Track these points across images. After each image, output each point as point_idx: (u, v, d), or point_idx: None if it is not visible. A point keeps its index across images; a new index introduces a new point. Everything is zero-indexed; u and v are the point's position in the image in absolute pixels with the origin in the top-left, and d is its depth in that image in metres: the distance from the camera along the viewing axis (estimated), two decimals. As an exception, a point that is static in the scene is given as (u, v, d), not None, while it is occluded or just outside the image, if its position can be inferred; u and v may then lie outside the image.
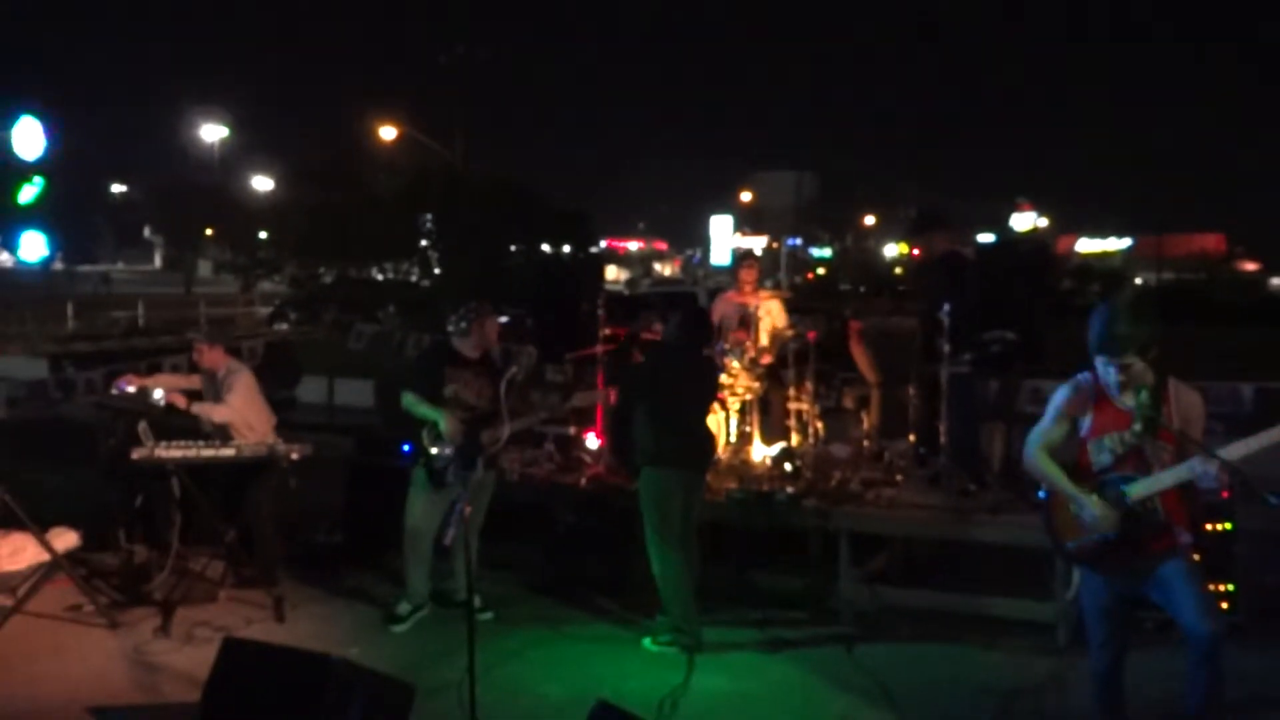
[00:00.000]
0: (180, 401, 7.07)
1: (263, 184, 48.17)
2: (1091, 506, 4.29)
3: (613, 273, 63.10)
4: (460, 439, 6.07)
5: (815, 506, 6.54)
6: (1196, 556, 4.43)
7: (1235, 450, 4.14)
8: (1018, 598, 6.13)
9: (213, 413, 6.92)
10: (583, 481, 7.23)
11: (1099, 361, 4.29)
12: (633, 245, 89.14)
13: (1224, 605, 6.00)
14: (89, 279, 43.16)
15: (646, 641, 5.97)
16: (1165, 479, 4.25)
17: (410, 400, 6.23)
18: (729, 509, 6.69)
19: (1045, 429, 4.46)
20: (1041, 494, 4.52)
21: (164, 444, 6.37)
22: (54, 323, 28.97)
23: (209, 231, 45.21)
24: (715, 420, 7.45)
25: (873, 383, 8.14)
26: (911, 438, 7.48)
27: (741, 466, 7.39)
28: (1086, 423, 4.39)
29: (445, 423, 6.09)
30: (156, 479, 6.73)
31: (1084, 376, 4.43)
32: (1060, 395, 4.45)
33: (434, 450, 6.13)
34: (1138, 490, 4.27)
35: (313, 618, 6.44)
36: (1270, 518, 6.18)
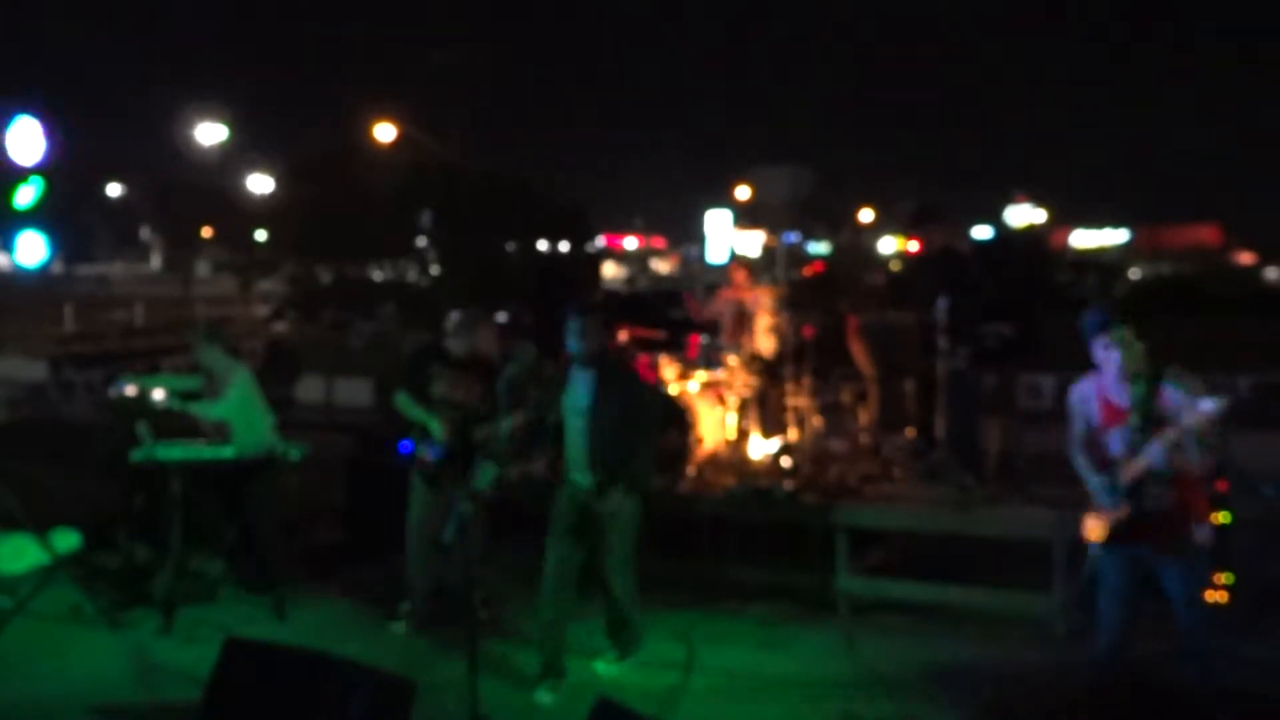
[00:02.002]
0: (174, 400, 7.07)
1: (260, 183, 48.12)
2: (1102, 490, 4.60)
3: (610, 270, 63.02)
4: (452, 440, 6.08)
5: (813, 501, 6.56)
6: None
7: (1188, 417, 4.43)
8: (1016, 590, 6.15)
9: (209, 411, 6.92)
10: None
11: (1099, 347, 4.58)
12: (630, 243, 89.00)
13: (1224, 597, 6.03)
14: (87, 280, 43.14)
15: (601, 666, 5.65)
16: (1139, 461, 4.48)
17: (403, 401, 6.24)
18: (728, 504, 6.71)
19: (1072, 431, 4.76)
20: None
21: (164, 444, 6.38)
22: (52, 324, 28.94)
23: (207, 231, 45.17)
24: (714, 417, 7.48)
25: (870, 377, 8.15)
26: (909, 432, 7.50)
27: (740, 462, 7.40)
28: (1096, 418, 4.65)
29: (436, 425, 6.10)
30: (156, 479, 6.74)
31: (1084, 379, 4.73)
32: (1070, 396, 4.78)
33: (427, 452, 6.15)
34: (1122, 473, 4.51)
35: (313, 616, 6.46)
36: (1268, 507, 6.24)
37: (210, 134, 55.61)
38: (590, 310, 5.48)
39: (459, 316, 6.39)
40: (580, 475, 5.44)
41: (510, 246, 28.66)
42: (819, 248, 74.57)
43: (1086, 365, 4.74)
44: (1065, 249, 62.43)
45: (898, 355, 7.70)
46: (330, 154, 30.12)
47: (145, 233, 60.67)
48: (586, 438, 5.39)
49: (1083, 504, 5.86)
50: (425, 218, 28.53)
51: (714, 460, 7.37)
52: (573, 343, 5.41)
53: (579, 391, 5.44)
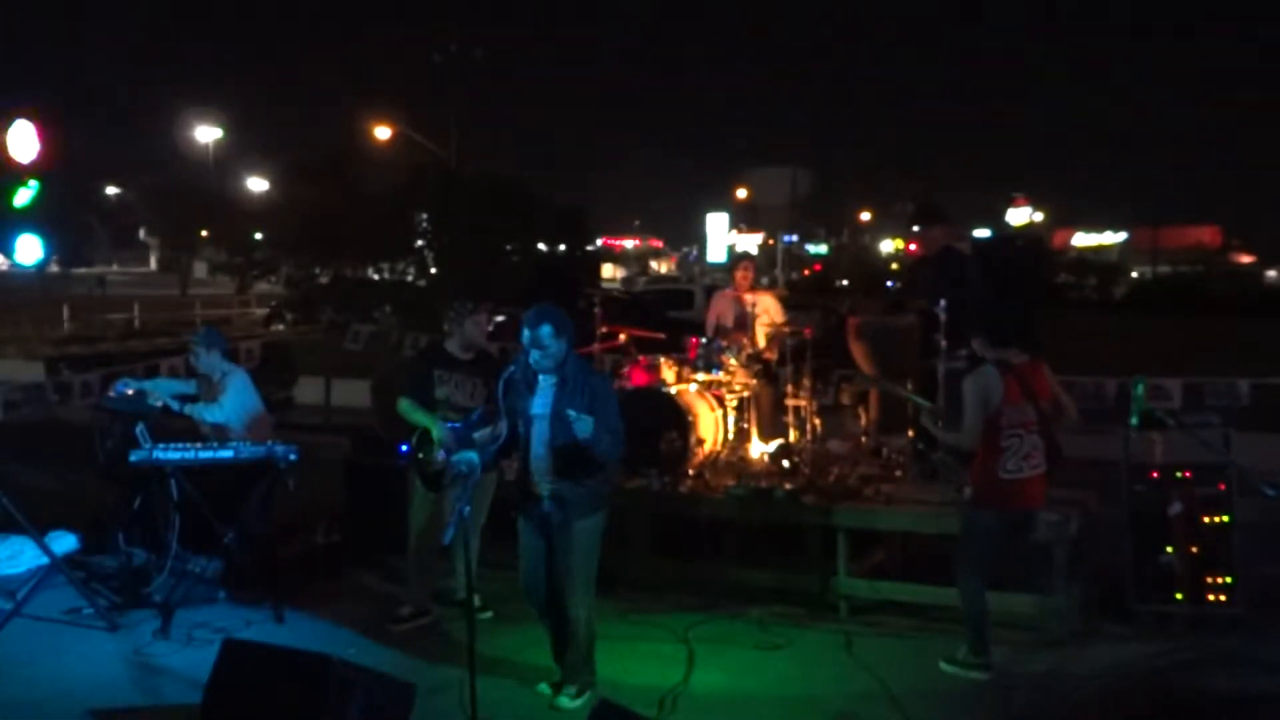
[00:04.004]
0: (172, 402, 7.04)
1: (257, 184, 48.08)
2: None
3: (609, 271, 63.10)
4: (454, 444, 6.05)
5: (813, 502, 6.55)
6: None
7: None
8: (1015, 592, 6.13)
9: (206, 414, 6.91)
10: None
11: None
12: (629, 243, 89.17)
13: (1221, 597, 6.03)
14: (84, 281, 43.08)
15: (564, 700, 5.23)
16: None
17: (405, 406, 6.22)
18: (728, 506, 6.70)
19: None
20: None
21: (162, 446, 6.36)
22: (49, 325, 28.92)
23: (204, 233, 45.15)
24: (714, 418, 7.47)
25: (871, 379, 8.14)
26: (910, 433, 7.49)
27: (740, 463, 7.39)
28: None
29: (437, 430, 6.07)
30: (155, 481, 6.72)
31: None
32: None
33: (428, 456, 6.12)
34: None
35: (312, 618, 6.43)
36: (1267, 509, 6.22)
37: (207, 135, 55.53)
38: (545, 316, 5.02)
39: (449, 314, 6.39)
40: (542, 485, 5.15)
41: (508, 248, 28.62)
42: (818, 248, 74.79)
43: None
44: (1066, 249, 62.47)
45: (897, 356, 7.69)
46: (328, 155, 30.08)
47: (142, 234, 60.64)
48: (548, 446, 5.08)
49: (1083, 503, 5.89)
50: (423, 219, 28.50)
51: (714, 461, 7.36)
52: (533, 354, 5.02)
53: (540, 397, 5.11)
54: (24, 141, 7.38)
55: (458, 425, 5.99)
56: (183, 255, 49.45)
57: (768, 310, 8.30)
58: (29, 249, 7.44)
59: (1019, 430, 5.33)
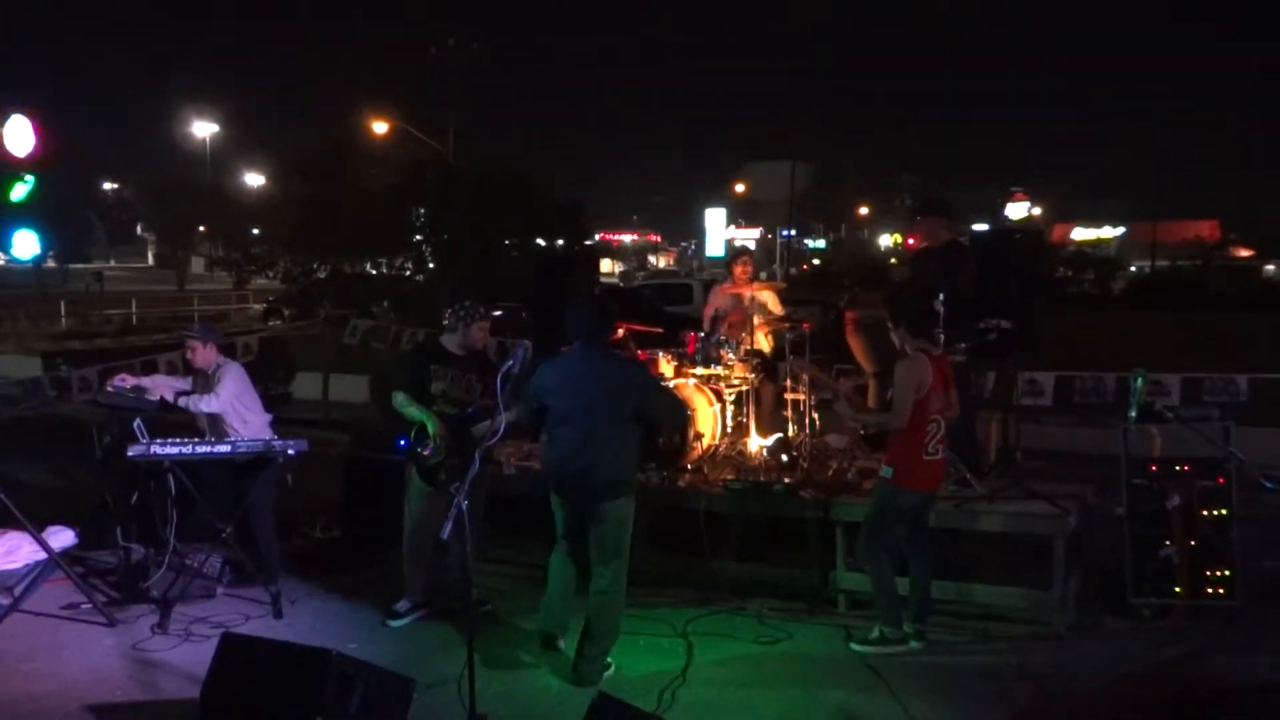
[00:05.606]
0: (168, 395, 7.02)
1: (255, 180, 48.02)
2: None
3: (607, 265, 63.10)
4: (450, 439, 6.04)
5: (812, 496, 6.55)
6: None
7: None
8: (1015, 585, 6.14)
9: (201, 404, 6.89)
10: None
11: None
12: (627, 238, 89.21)
13: (1220, 590, 6.03)
14: (81, 276, 43.06)
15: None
16: None
17: (400, 400, 6.20)
18: (726, 500, 6.70)
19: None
20: None
21: (160, 441, 6.34)
22: (47, 321, 28.92)
23: (201, 228, 45.10)
24: (712, 412, 7.46)
25: (869, 372, 8.13)
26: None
27: (738, 457, 7.39)
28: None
29: (433, 424, 6.06)
30: (153, 476, 6.71)
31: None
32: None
33: (424, 450, 6.11)
34: None
35: (311, 613, 6.43)
36: (1266, 502, 6.23)
37: (204, 130, 55.36)
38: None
39: (452, 311, 6.38)
40: None
41: (507, 242, 28.56)
42: (816, 244, 74.84)
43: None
44: (1064, 243, 62.48)
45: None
46: (327, 150, 29.99)
47: (140, 229, 60.56)
48: None
49: (1081, 497, 5.89)
50: (421, 214, 28.43)
51: (712, 455, 7.36)
52: None
53: None
54: (21, 136, 7.37)
55: (454, 418, 6.00)
56: (180, 250, 49.37)
57: (765, 304, 8.30)
58: (26, 244, 7.44)
59: (937, 416, 5.70)
